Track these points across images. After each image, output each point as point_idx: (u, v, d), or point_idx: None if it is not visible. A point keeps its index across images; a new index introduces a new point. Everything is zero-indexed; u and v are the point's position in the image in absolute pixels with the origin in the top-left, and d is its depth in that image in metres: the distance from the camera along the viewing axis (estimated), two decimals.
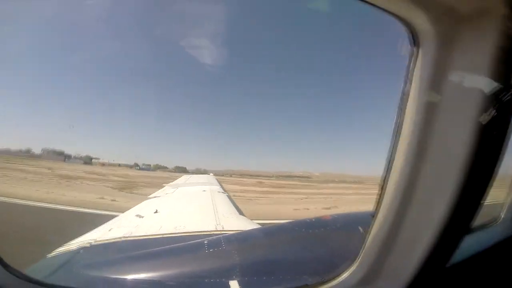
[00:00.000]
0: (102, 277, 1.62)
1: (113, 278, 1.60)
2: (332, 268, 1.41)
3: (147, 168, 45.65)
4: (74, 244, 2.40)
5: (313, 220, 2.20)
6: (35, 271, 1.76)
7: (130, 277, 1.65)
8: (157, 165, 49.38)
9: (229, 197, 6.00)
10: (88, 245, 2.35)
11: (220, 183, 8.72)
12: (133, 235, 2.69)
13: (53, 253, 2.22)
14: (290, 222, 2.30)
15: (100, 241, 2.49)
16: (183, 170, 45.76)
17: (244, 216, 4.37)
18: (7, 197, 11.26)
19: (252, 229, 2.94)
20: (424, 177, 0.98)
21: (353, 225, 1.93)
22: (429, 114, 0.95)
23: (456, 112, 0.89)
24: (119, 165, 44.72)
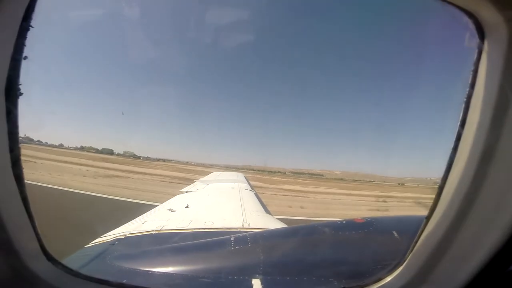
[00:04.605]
0: (133, 269, 1.69)
1: (143, 270, 1.69)
2: (368, 272, 1.32)
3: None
4: (111, 235, 2.56)
5: (344, 222, 2.13)
6: (73, 261, 1.91)
7: (159, 270, 1.75)
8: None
9: (256, 195, 6.02)
10: (123, 237, 2.48)
11: (248, 180, 8.76)
12: (165, 228, 2.81)
13: (91, 244, 2.39)
14: (319, 223, 2.20)
15: (135, 233, 2.64)
16: (109, 152, 54.95)
17: (271, 214, 4.33)
18: None
19: (278, 228, 2.89)
20: (491, 180, 0.92)
21: (387, 229, 1.91)
22: (499, 112, 0.89)
23: None
24: None
